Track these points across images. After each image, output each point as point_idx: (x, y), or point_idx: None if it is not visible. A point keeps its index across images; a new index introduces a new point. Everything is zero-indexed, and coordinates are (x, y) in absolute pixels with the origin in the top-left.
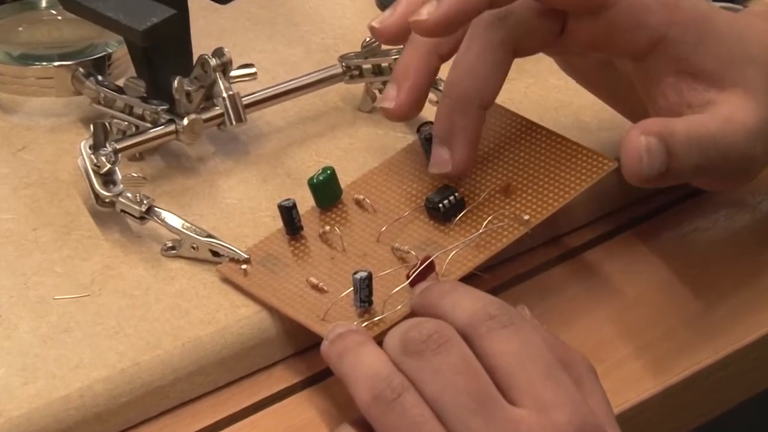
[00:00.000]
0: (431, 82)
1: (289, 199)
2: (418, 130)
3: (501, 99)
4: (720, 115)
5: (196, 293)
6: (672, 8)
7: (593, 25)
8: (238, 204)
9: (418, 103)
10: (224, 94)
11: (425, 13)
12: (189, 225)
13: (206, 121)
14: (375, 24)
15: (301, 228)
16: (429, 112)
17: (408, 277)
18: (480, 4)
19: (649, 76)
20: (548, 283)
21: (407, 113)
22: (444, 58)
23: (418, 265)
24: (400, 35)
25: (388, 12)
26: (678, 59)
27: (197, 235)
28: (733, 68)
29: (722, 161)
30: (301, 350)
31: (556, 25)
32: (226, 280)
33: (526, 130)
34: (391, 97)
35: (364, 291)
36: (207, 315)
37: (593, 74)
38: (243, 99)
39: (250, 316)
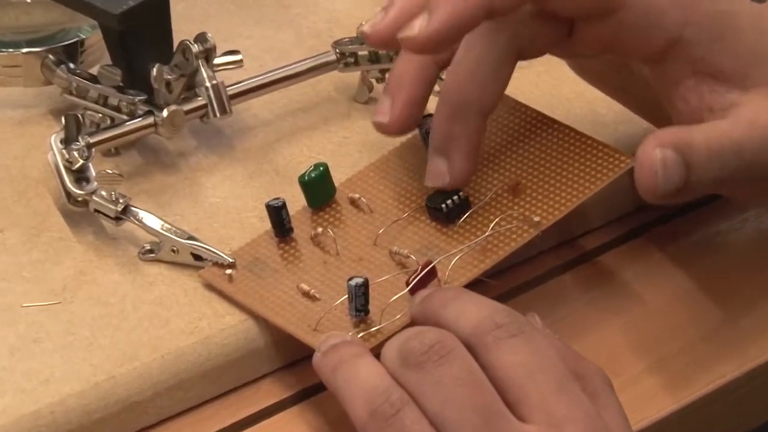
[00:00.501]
0: (429, 93)
1: (278, 199)
2: (419, 124)
3: (509, 90)
4: (743, 119)
5: (176, 300)
6: (687, 6)
7: (603, 28)
8: (222, 203)
9: (415, 116)
10: (207, 84)
11: (416, 28)
12: (169, 226)
13: (187, 112)
14: (366, 29)
15: (291, 230)
16: (431, 103)
17: (407, 283)
18: (476, 18)
19: (666, 79)
20: (559, 290)
21: (403, 128)
22: (442, 66)
23: (418, 270)
24: (393, 41)
25: (379, 15)
26: (695, 60)
27: (178, 237)
28: (756, 66)
29: (747, 170)
30: (291, 362)
31: (563, 27)
32: (210, 287)
33: (536, 124)
34: (384, 111)
35: (360, 299)
36: (188, 324)
37: (608, 77)
38: (228, 89)
39: (236, 325)
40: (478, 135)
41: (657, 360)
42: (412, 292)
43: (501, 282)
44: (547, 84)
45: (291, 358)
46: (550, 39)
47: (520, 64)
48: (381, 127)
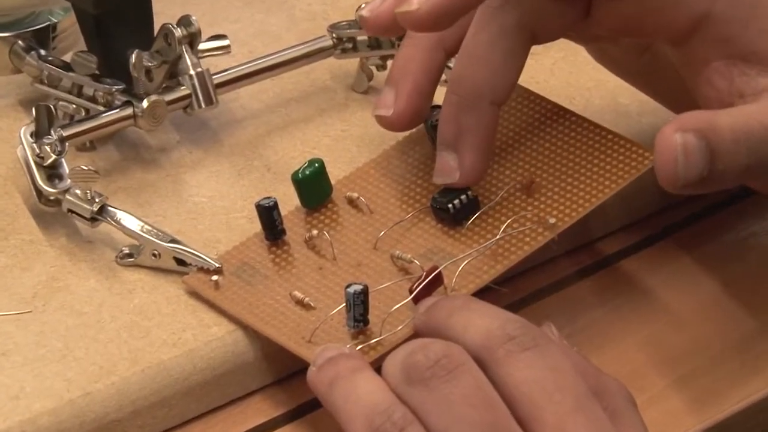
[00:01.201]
0: (436, 83)
1: (269, 198)
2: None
3: (522, 78)
4: None
5: (158, 309)
6: None
7: (623, 5)
8: (208, 203)
9: (422, 109)
10: (191, 72)
11: (415, 2)
12: (149, 228)
13: (170, 103)
14: (364, 13)
15: (284, 232)
16: (439, 94)
17: (411, 291)
18: None
19: (692, 61)
20: (577, 298)
21: (409, 122)
22: (450, 53)
23: (422, 277)
24: (393, 25)
25: None
26: (726, 40)
27: (159, 239)
28: None
29: None
30: (283, 378)
31: (579, 6)
32: (194, 294)
33: (551, 116)
34: (388, 104)
35: (359, 308)
36: (171, 335)
37: (629, 62)
38: (214, 77)
39: (223, 336)
40: (490, 127)
41: (684, 375)
42: (416, 300)
43: (513, 289)
44: (564, 72)
45: (283, 373)
46: (566, 20)
47: (534, 49)
48: (384, 122)
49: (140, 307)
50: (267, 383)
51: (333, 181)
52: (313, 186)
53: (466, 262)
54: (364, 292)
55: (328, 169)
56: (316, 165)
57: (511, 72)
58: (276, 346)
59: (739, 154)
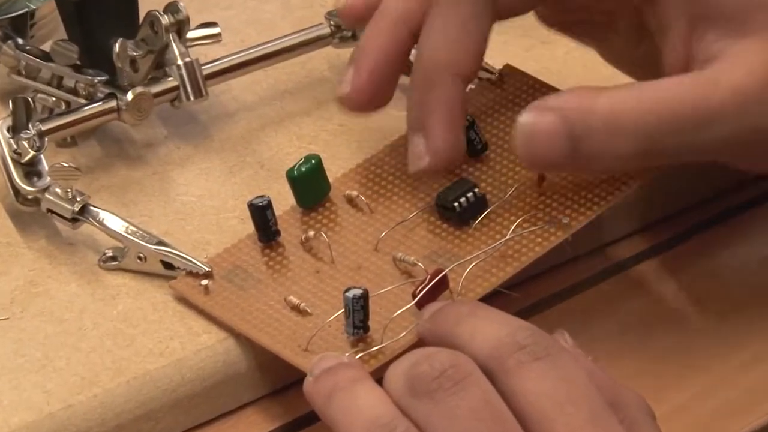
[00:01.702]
0: (399, 60)
1: (262, 197)
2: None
3: (534, 68)
4: (704, 78)
5: (143, 316)
6: None
7: None
8: (197, 202)
9: (383, 86)
10: (179, 62)
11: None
12: (135, 229)
13: (156, 95)
14: (339, 5)
15: (278, 233)
16: None
17: (414, 295)
18: None
19: (661, 26)
20: (592, 304)
21: (368, 100)
22: (415, 31)
23: (427, 280)
24: (369, 15)
25: None
26: None
27: (145, 241)
28: (763, 8)
29: (732, 137)
30: (278, 389)
31: None
32: (182, 300)
33: None
34: (347, 80)
35: (359, 313)
36: (158, 344)
37: (630, 54)
38: (203, 67)
39: (213, 345)
40: (456, 102)
41: (707, 386)
42: (420, 305)
43: (524, 294)
44: (578, 61)
45: (278, 384)
46: None
47: (547, 37)
48: (343, 100)
49: (125, 313)
50: (260, 395)
51: (331, 179)
52: (310, 184)
53: (473, 264)
54: (364, 297)
55: (326, 165)
56: (313, 161)
57: (471, 41)
58: (270, 355)
59: (616, 139)
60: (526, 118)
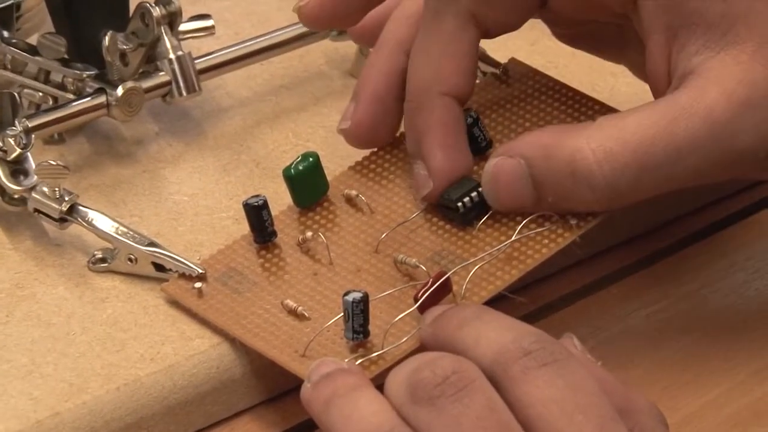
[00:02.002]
0: (399, 88)
1: (258, 196)
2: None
3: (540, 62)
4: (674, 107)
5: (134, 320)
6: None
7: None
8: (189, 202)
9: (383, 117)
10: (171, 56)
11: None
12: (125, 229)
13: (147, 90)
14: (294, 7)
15: (275, 234)
16: None
17: (416, 299)
18: None
19: (641, 34)
20: (601, 307)
21: (368, 132)
22: None
23: (429, 283)
24: (323, 17)
25: None
26: (670, 5)
27: (136, 242)
28: (748, 16)
29: (708, 163)
30: (274, 396)
31: None
32: (174, 303)
33: (572, 104)
34: (347, 116)
35: (358, 318)
36: (149, 349)
37: (627, 54)
38: (196, 62)
39: (207, 350)
40: (450, 123)
41: (723, 392)
42: (422, 309)
43: (530, 298)
44: (584, 55)
45: (274, 391)
46: (517, 11)
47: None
48: (345, 134)
49: (114, 317)
50: (256, 402)
51: (329, 177)
52: (308, 183)
53: (477, 267)
54: (364, 301)
55: (324, 163)
56: (311, 159)
57: (455, 57)
58: (266, 361)
59: (580, 186)
60: (491, 161)
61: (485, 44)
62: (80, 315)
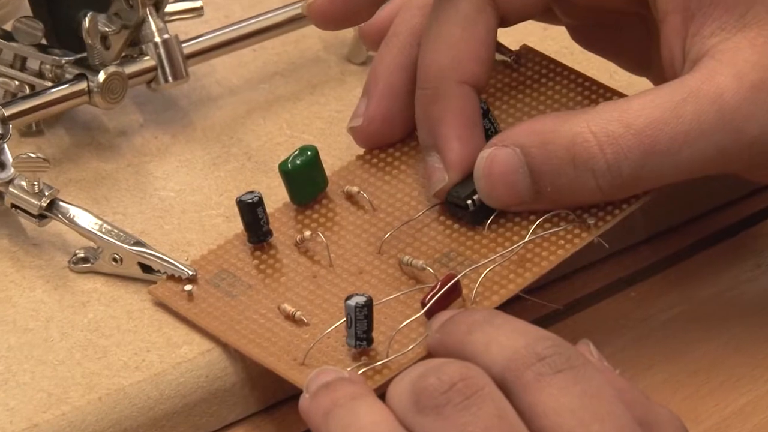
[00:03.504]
0: (413, 82)
1: (252, 192)
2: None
3: (554, 49)
4: (681, 90)
5: (117, 326)
6: None
7: None
8: (177, 198)
9: (397, 112)
10: (157, 39)
11: None
12: (109, 227)
13: (131, 76)
14: (303, 6)
15: (270, 233)
16: None
17: (423, 304)
18: None
19: (657, 19)
20: (619, 311)
21: (381, 129)
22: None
23: (437, 287)
24: (334, 13)
25: None
26: None
27: (121, 241)
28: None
29: (717, 150)
30: (269, 406)
31: None
32: (161, 307)
33: (588, 94)
34: (359, 113)
35: (362, 324)
36: (134, 356)
37: (630, 52)
38: (183, 45)
39: (195, 358)
40: (466, 110)
41: (749, 402)
42: (429, 315)
43: (545, 300)
44: None
45: (268, 401)
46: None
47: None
48: (357, 134)
49: (96, 322)
50: (248, 413)
51: (327, 173)
52: (305, 178)
53: (488, 269)
54: (368, 305)
55: (322, 155)
56: (309, 153)
57: (474, 43)
58: (260, 369)
59: (582, 173)
60: (483, 152)
61: None
62: (59, 320)
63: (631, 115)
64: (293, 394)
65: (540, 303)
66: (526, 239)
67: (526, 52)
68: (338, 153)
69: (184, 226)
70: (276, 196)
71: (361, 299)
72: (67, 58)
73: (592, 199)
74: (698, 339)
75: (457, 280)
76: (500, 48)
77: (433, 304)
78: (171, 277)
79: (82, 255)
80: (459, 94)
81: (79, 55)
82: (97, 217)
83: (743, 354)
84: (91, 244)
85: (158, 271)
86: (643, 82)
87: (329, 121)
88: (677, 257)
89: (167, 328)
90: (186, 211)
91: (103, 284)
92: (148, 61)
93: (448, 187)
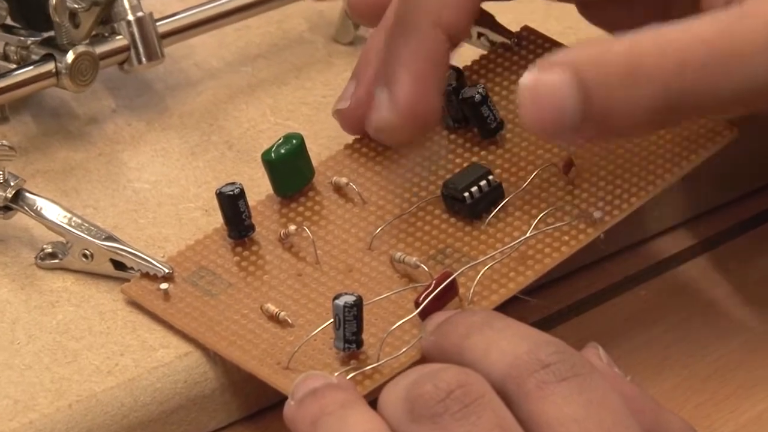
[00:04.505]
0: (444, 73)
1: (234, 184)
2: None
3: (556, 29)
4: (735, 12)
5: (89, 327)
6: None
7: None
8: (152, 190)
9: (432, 102)
10: (130, 17)
11: None
12: (79, 221)
13: (102, 57)
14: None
15: (252, 228)
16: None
17: (417, 304)
18: None
19: None
20: (628, 311)
21: (418, 119)
22: (451, 35)
23: (432, 286)
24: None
25: None
26: None
27: (92, 236)
28: None
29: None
30: (252, 414)
31: None
32: (136, 307)
33: None
34: (346, 96)
35: (351, 325)
36: (106, 360)
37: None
38: (158, 24)
39: (172, 362)
40: (433, 58)
41: (765, 409)
42: (424, 316)
43: (548, 300)
44: None
45: (250, 409)
46: None
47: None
48: (343, 117)
49: (66, 324)
50: (229, 422)
51: (315, 162)
52: (290, 168)
53: (487, 267)
54: (358, 305)
55: (308, 144)
56: (294, 142)
57: None
58: (242, 374)
59: (635, 88)
60: (528, 76)
61: (494, 10)
62: (26, 321)
63: (689, 35)
64: (277, 400)
65: (536, 303)
66: (528, 235)
67: (528, 33)
68: (326, 141)
69: (160, 221)
70: (259, 188)
71: (350, 298)
72: (33, 39)
73: (643, 118)
74: (712, 341)
75: (454, 279)
76: (501, 29)
77: (427, 304)
78: (145, 275)
79: (50, 250)
80: (430, 37)
81: (46, 35)
82: (66, 209)
83: (761, 356)
84: (60, 238)
85: (132, 269)
86: None
87: (316, 107)
88: (689, 254)
89: (142, 329)
90: (162, 204)
91: (74, 283)
92: (120, 41)
93: (386, 127)
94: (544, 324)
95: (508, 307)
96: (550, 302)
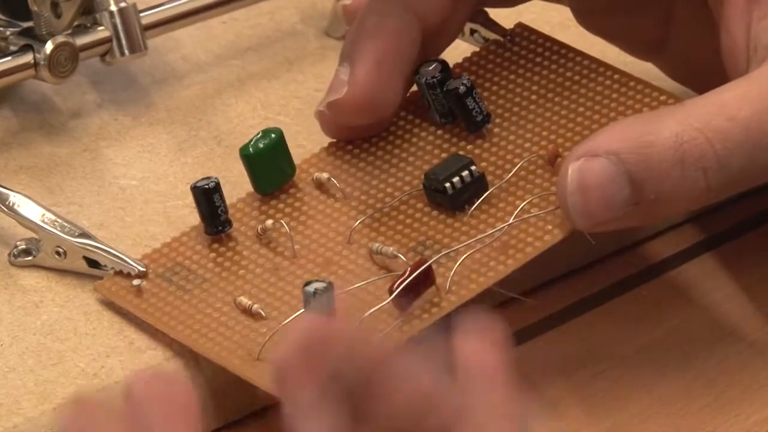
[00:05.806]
0: (408, 53)
1: (208, 178)
2: (417, 72)
3: (557, 22)
4: (765, 79)
5: (73, 328)
6: None
7: None
8: (139, 187)
9: (389, 83)
10: (113, 7)
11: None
12: (53, 217)
13: (83, 48)
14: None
15: (229, 223)
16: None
17: (391, 291)
18: None
19: (710, 4)
20: (625, 314)
21: (364, 103)
22: (427, 23)
23: (407, 273)
24: None
25: None
26: None
27: (64, 233)
28: None
29: None
30: (237, 420)
31: None
32: (113, 306)
33: (581, 71)
34: (338, 85)
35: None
36: (91, 362)
37: (641, 33)
38: (142, 15)
39: (160, 364)
40: (400, 42)
41: None
42: (399, 304)
43: (542, 301)
44: None
45: (238, 413)
46: None
47: None
48: (333, 109)
49: (50, 325)
50: (216, 427)
51: (302, 157)
52: (269, 164)
53: (465, 255)
54: (329, 291)
55: (299, 140)
56: (273, 136)
57: None
58: (229, 377)
59: (688, 175)
60: (569, 166)
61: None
62: (9, 322)
63: (732, 108)
64: (264, 406)
65: (533, 304)
66: (509, 222)
67: (522, 30)
68: (317, 137)
69: (147, 218)
70: (248, 185)
71: (320, 285)
72: (11, 29)
73: (698, 203)
74: (714, 343)
75: (429, 267)
76: (494, 26)
77: (402, 292)
78: (119, 273)
79: (24, 247)
80: (402, 22)
81: (25, 25)
82: (42, 205)
83: (762, 362)
84: (34, 235)
85: (105, 266)
86: (637, 62)
87: (307, 102)
88: (691, 252)
89: (129, 331)
90: (149, 201)
91: (57, 283)
92: (102, 32)
93: (341, 104)
94: (543, 325)
95: (503, 310)
96: (550, 303)
